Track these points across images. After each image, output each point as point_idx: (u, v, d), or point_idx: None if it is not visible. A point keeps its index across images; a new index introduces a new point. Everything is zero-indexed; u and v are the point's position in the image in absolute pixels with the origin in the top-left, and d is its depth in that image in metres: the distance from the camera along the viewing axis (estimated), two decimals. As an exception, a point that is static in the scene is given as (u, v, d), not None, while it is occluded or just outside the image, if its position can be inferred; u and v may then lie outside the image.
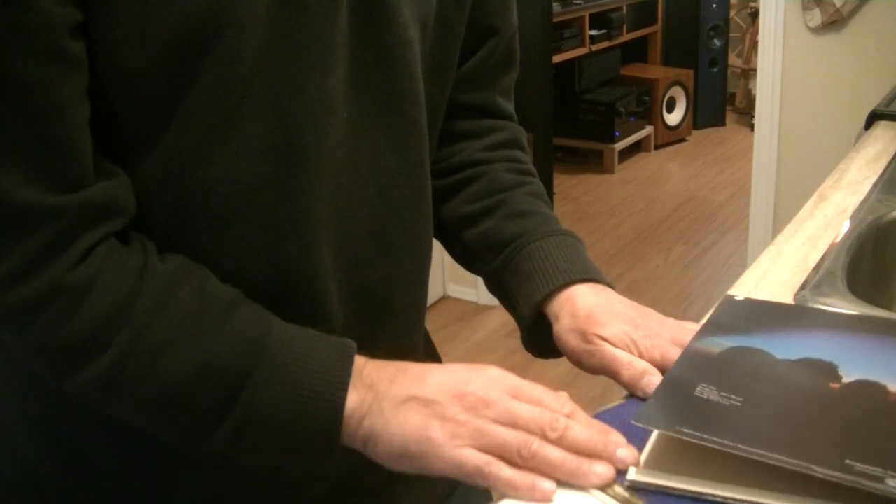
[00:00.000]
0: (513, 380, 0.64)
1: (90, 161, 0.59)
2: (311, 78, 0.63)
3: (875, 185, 1.26)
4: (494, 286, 0.82)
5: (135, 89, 0.59)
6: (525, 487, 0.60)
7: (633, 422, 0.63)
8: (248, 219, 0.64)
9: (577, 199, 4.36)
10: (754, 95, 2.86)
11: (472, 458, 0.60)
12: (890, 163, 1.36)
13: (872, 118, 1.62)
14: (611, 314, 0.73)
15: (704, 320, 0.78)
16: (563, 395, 0.64)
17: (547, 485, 0.60)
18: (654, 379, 0.69)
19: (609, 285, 0.77)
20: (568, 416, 0.63)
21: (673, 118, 5.04)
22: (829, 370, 0.70)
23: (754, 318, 0.79)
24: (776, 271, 1.01)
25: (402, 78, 0.69)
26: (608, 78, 4.88)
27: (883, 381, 0.68)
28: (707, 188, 4.45)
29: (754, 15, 5.10)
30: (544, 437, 0.61)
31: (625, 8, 4.81)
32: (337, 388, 0.62)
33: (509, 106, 0.86)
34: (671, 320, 0.75)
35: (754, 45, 5.08)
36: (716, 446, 0.60)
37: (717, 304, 0.82)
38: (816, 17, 2.49)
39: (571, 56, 4.49)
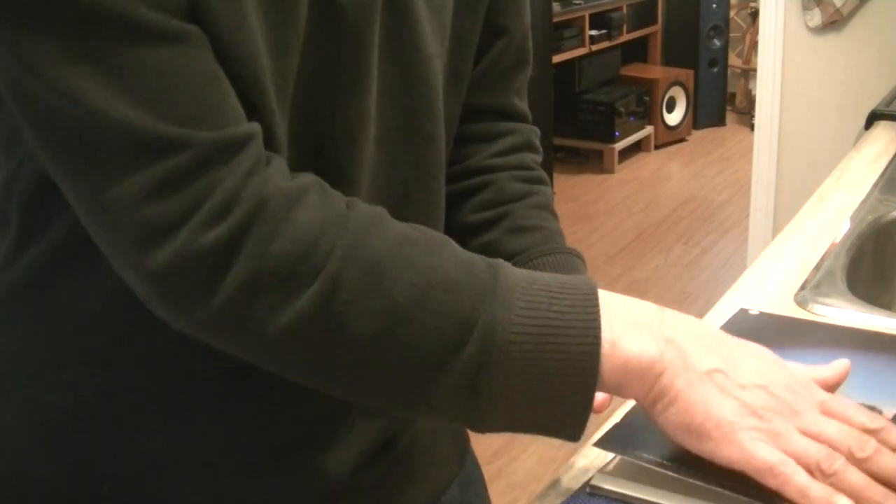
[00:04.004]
0: (821, 392, 0.60)
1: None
2: (349, 98, 0.63)
3: (875, 185, 1.26)
4: None
5: None
6: (819, 499, 0.55)
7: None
8: None
9: (577, 199, 4.36)
10: (754, 95, 2.86)
11: (768, 453, 0.56)
12: (890, 163, 1.36)
13: (872, 118, 1.62)
14: None
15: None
16: (877, 414, 0.60)
17: (844, 502, 0.54)
18: None
19: None
20: (880, 431, 0.58)
21: (673, 118, 5.04)
22: None
23: (762, 335, 0.78)
24: (776, 271, 1.01)
25: (421, 94, 0.69)
26: (608, 78, 4.88)
27: (881, 405, 0.67)
28: (707, 188, 4.45)
29: (754, 15, 5.10)
30: (850, 458, 0.56)
31: (625, 8, 4.80)
32: (590, 314, 0.56)
33: (524, 105, 0.86)
34: None
35: (754, 45, 5.07)
36: (672, 473, 0.59)
37: (729, 318, 0.82)
38: (816, 17, 2.49)
39: (571, 56, 4.49)
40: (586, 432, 0.62)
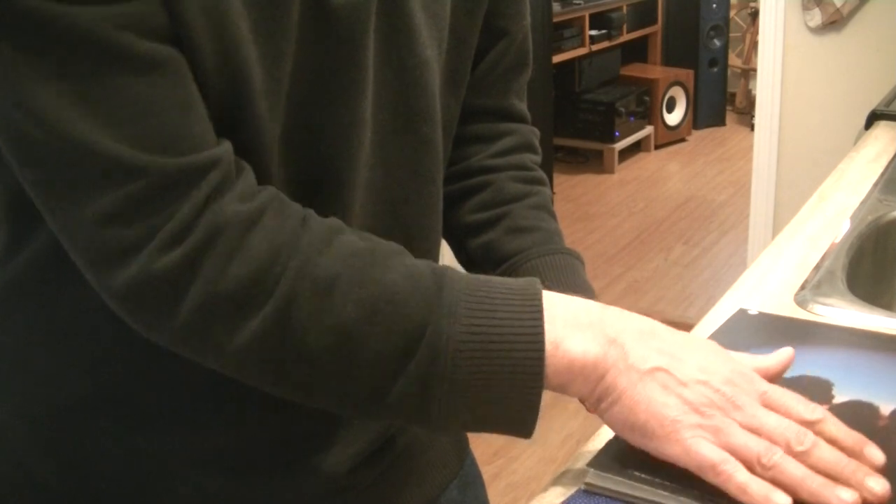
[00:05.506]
0: (763, 383, 0.61)
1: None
2: (344, 101, 0.63)
3: (875, 185, 1.26)
4: None
5: None
6: (758, 496, 0.56)
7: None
8: None
9: (577, 199, 4.36)
10: (754, 95, 2.86)
11: (710, 452, 0.57)
12: (890, 163, 1.36)
13: (872, 118, 1.62)
14: None
15: (712, 332, 0.78)
16: (815, 405, 0.60)
17: (782, 499, 0.55)
18: None
19: None
20: (818, 422, 0.59)
21: (673, 118, 5.04)
22: (823, 389, 0.69)
23: (761, 334, 0.78)
24: (776, 271, 1.01)
25: (418, 97, 0.69)
26: (608, 78, 4.88)
27: (877, 401, 0.67)
28: (707, 188, 4.45)
29: (754, 15, 5.10)
30: (788, 451, 0.57)
31: (625, 8, 4.80)
32: (533, 318, 0.58)
33: (523, 107, 0.86)
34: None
35: (754, 45, 5.07)
36: (667, 492, 0.59)
37: (729, 318, 0.82)
38: (816, 17, 2.49)
39: (571, 56, 4.49)
40: (586, 431, 0.62)
